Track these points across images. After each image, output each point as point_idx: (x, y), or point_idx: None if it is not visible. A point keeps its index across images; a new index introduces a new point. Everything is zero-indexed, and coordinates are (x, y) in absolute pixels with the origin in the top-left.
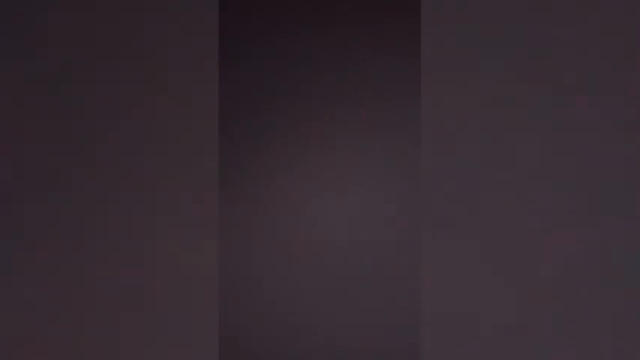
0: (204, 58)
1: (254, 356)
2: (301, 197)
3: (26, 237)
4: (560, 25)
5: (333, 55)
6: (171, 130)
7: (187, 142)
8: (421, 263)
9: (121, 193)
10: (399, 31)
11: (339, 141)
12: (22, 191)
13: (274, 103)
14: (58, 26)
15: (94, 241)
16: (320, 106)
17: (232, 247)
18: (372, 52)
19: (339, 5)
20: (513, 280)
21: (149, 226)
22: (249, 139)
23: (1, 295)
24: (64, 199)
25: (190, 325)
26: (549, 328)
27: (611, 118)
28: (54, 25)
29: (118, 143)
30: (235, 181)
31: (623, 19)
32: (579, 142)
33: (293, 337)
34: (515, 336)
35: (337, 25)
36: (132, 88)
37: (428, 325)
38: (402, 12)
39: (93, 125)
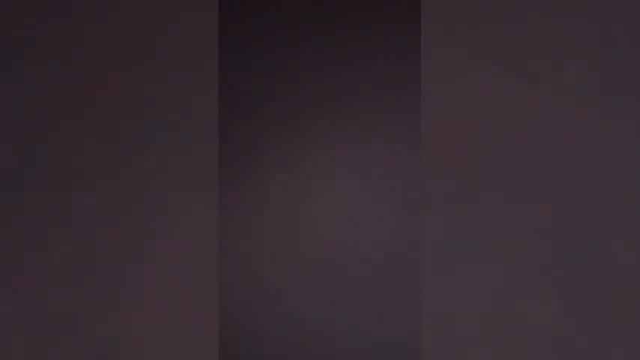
0: (204, 58)
1: (254, 356)
2: (301, 197)
3: (25, 236)
4: (561, 24)
5: (333, 55)
6: (171, 129)
7: (187, 142)
8: (421, 263)
9: (121, 193)
10: (399, 31)
11: (339, 141)
12: (20, 191)
13: (274, 103)
14: (58, 26)
15: (93, 241)
16: (320, 106)
17: (232, 247)
18: (372, 51)
19: (339, 5)
20: (514, 280)
21: (149, 226)
22: (249, 139)
23: (1, 294)
24: (64, 199)
25: (190, 325)
26: (550, 329)
27: (612, 116)
28: (53, 24)
29: (117, 143)
30: (235, 180)
31: (624, 17)
32: (581, 142)
33: (293, 337)
34: (516, 336)
35: (337, 25)
36: (131, 88)
37: (428, 325)
38: (402, 12)
39: (92, 125)
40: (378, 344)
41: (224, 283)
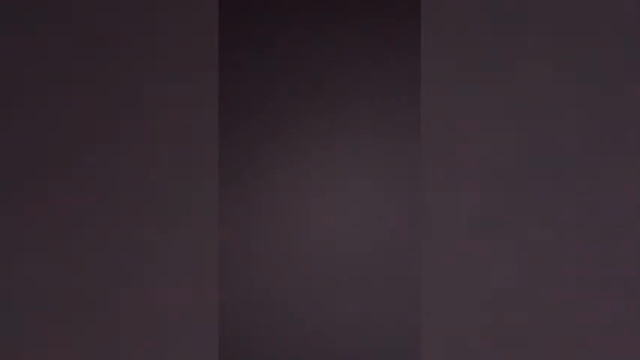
0: (205, 58)
1: (254, 356)
2: (301, 197)
3: (25, 237)
4: (561, 24)
5: (333, 56)
6: (171, 130)
7: (187, 142)
8: (421, 263)
9: (121, 194)
10: (399, 31)
11: (339, 141)
12: (20, 191)
13: (274, 103)
14: (58, 26)
15: (92, 241)
16: (320, 106)
17: (232, 247)
18: (372, 52)
19: (339, 5)
20: (514, 280)
21: (149, 227)
22: (249, 139)
23: (1, 294)
24: (64, 199)
25: (190, 325)
26: (549, 330)
27: (614, 115)
28: (54, 25)
29: (118, 144)
30: (235, 181)
31: (624, 16)
32: (581, 141)
33: (293, 337)
34: (515, 336)
35: (337, 25)
36: (132, 88)
37: (428, 325)
38: (402, 12)
39: (93, 126)
40: (378, 344)
41: (224, 283)
